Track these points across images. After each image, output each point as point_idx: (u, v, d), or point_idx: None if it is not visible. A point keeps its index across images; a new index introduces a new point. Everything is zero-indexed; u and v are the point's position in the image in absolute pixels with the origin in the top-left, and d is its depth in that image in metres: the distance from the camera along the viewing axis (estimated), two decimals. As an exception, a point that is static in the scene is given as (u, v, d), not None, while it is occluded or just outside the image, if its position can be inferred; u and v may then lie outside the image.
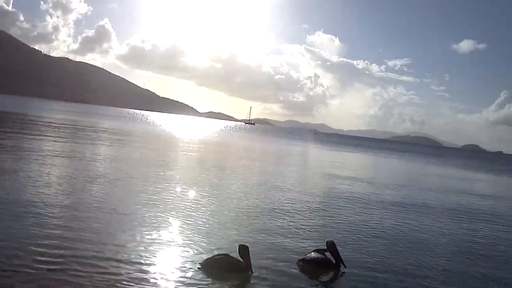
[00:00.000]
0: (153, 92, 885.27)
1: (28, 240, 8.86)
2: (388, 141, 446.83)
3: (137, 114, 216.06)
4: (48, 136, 32.35)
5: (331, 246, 9.49)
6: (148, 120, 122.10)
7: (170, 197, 14.62)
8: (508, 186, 46.36)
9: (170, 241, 9.92)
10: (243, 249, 8.65)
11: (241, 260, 8.67)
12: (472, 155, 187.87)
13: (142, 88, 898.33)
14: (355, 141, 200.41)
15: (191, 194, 15.97)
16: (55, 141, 29.54)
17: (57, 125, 46.82)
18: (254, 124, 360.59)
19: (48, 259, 8.02)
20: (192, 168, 23.50)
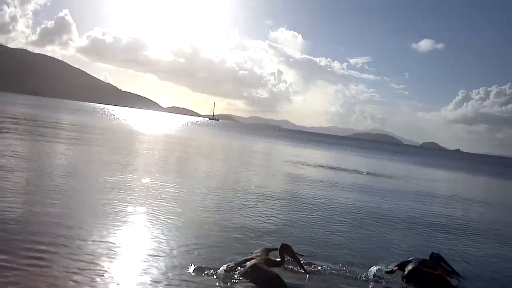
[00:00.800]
0: (114, 86, 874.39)
1: None
2: (350, 138, 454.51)
3: (97, 108, 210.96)
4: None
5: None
6: (108, 115, 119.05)
7: (126, 204, 13.10)
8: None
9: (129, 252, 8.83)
10: (285, 249, 8.03)
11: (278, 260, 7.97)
12: (431, 153, 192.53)
13: (103, 81, 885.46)
14: (317, 137, 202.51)
15: (152, 199, 14.49)
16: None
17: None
18: (218, 120, 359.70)
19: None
20: (151, 170, 21.62)
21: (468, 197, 27.42)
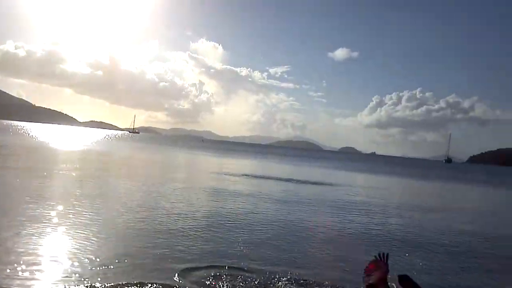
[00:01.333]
0: (28, 102, 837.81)
1: None
2: (272, 146, 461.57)
3: (8, 125, 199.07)
4: None
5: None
6: (20, 132, 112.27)
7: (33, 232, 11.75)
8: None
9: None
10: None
11: None
12: (348, 157, 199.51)
13: (16, 97, 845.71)
14: (241, 147, 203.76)
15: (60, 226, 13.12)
16: None
17: None
18: (139, 132, 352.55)
19: None
20: (63, 195, 19.48)
21: (391, 203, 27.81)
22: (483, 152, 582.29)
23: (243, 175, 36.70)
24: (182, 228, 13.50)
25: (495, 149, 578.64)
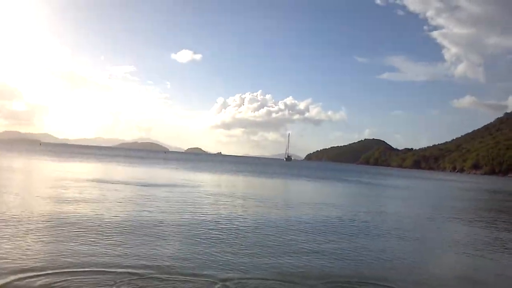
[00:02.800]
0: None
1: None
2: (116, 148, 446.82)
3: None
4: None
5: None
6: None
7: None
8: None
9: None
10: None
11: None
12: (196, 158, 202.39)
13: None
14: (83, 149, 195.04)
15: None
16: None
17: None
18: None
19: None
20: None
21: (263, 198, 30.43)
22: (318, 150, 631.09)
23: (90, 180, 36.54)
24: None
25: (328, 147, 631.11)
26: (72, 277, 9.72)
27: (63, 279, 9.59)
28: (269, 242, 15.26)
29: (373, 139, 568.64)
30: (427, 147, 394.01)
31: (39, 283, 9.29)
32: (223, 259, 12.35)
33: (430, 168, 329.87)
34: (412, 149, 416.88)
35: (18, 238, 13.00)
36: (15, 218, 16.19)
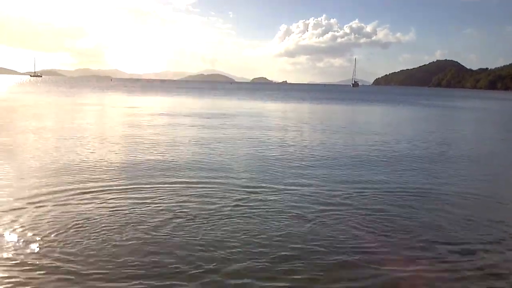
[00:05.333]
0: None
1: None
2: (183, 81, 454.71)
3: None
4: None
5: None
6: None
7: None
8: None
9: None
10: None
11: None
12: (263, 87, 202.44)
13: None
14: (152, 83, 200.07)
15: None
16: None
17: None
18: (41, 76, 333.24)
19: None
20: None
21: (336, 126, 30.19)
22: (387, 74, 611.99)
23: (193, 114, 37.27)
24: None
25: (397, 70, 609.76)
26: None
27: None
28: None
29: (445, 60, 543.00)
30: (504, 66, 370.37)
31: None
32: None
33: (507, 88, 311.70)
34: (487, 69, 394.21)
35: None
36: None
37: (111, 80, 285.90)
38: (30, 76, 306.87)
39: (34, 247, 7.20)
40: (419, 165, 15.74)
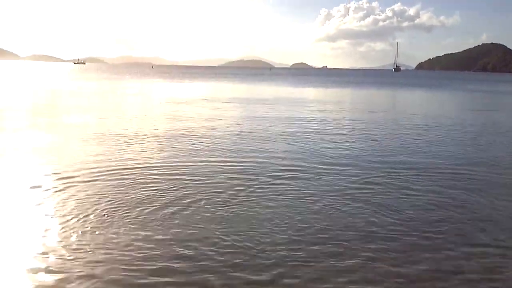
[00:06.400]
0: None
1: None
2: (223, 67, 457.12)
3: None
4: None
5: None
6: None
7: None
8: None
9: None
10: None
11: None
12: (304, 73, 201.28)
13: None
14: (191, 70, 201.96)
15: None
16: None
17: None
18: (85, 63, 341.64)
19: None
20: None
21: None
22: (430, 58, 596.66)
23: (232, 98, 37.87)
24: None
25: (441, 54, 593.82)
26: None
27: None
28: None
29: (491, 43, 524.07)
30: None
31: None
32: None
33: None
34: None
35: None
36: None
37: (152, 67, 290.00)
38: (74, 63, 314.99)
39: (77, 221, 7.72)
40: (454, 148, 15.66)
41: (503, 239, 7.31)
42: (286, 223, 7.78)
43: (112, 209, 8.24)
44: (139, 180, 10.29)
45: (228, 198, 9.07)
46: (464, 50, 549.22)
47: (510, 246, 7.05)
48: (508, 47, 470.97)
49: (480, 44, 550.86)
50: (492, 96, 53.19)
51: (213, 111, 26.78)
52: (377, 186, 10.21)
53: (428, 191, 9.99)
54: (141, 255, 6.40)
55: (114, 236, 7.03)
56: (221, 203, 8.80)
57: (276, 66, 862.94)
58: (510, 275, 6.09)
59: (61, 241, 6.77)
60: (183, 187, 9.75)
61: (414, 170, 11.96)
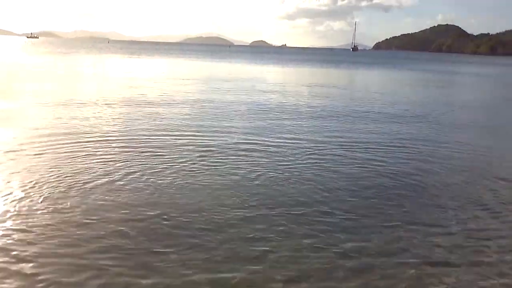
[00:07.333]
0: None
1: None
2: (182, 44, 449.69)
3: None
4: None
5: None
6: None
7: None
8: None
9: None
10: None
11: None
12: (263, 51, 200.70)
13: None
14: (149, 46, 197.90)
15: None
16: None
17: None
18: (38, 37, 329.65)
19: None
20: None
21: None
22: (387, 38, 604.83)
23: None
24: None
25: (399, 34, 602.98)
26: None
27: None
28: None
29: (447, 24, 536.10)
30: (506, 31, 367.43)
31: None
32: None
33: (508, 54, 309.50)
34: (488, 34, 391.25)
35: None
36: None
37: (108, 42, 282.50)
38: (27, 37, 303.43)
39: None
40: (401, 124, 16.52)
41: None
42: (233, 193, 8.22)
43: (61, 180, 8.42)
44: (91, 152, 10.53)
45: (180, 169, 9.43)
46: (421, 31, 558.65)
47: (419, 219, 7.81)
48: (462, 28, 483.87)
49: (436, 25, 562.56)
50: (442, 76, 54.99)
51: (172, 87, 26.78)
52: (322, 161, 10.86)
53: (378, 161, 10.79)
54: (90, 224, 6.69)
55: (60, 206, 7.23)
56: (172, 173, 9.16)
57: (235, 44, 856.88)
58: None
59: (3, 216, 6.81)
60: (136, 159, 10.04)
61: (368, 144, 12.76)
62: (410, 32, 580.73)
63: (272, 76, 43.12)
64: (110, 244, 6.03)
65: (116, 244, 6.03)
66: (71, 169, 9.04)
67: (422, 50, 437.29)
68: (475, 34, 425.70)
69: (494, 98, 29.31)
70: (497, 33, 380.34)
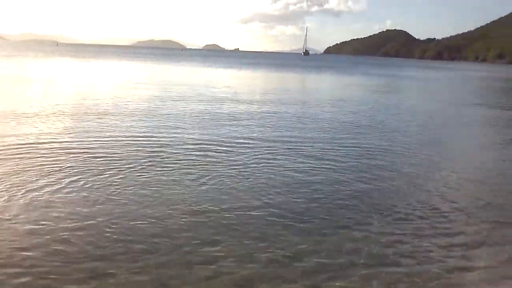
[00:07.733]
0: None
1: None
2: (133, 47, 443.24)
3: None
4: None
5: None
6: None
7: None
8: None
9: None
10: None
11: None
12: (215, 54, 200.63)
13: None
14: (99, 49, 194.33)
15: None
16: None
17: None
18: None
19: None
20: None
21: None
22: (337, 43, 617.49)
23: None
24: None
25: (349, 39, 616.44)
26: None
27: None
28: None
29: (395, 29, 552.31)
30: (450, 36, 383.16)
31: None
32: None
33: (453, 59, 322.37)
34: (434, 39, 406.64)
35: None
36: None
37: (57, 45, 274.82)
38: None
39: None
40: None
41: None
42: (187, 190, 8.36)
43: (5, 190, 8.28)
44: (41, 158, 10.35)
45: (129, 176, 9.39)
46: (370, 36, 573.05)
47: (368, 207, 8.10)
48: (410, 33, 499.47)
49: (385, 30, 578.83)
50: (387, 79, 56.64)
51: (124, 91, 26.45)
52: (274, 165, 11.05)
53: (331, 164, 11.07)
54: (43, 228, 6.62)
55: (2, 217, 7.15)
56: (121, 180, 9.11)
57: (188, 47, 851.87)
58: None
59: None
60: (84, 167, 9.88)
61: (322, 145, 13.07)
62: (359, 37, 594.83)
63: (226, 80, 43.15)
64: (55, 250, 5.94)
65: (62, 250, 5.96)
66: (17, 181, 8.78)
67: (372, 55, 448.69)
68: (422, 39, 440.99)
69: (438, 102, 30.37)
70: (442, 38, 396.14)
